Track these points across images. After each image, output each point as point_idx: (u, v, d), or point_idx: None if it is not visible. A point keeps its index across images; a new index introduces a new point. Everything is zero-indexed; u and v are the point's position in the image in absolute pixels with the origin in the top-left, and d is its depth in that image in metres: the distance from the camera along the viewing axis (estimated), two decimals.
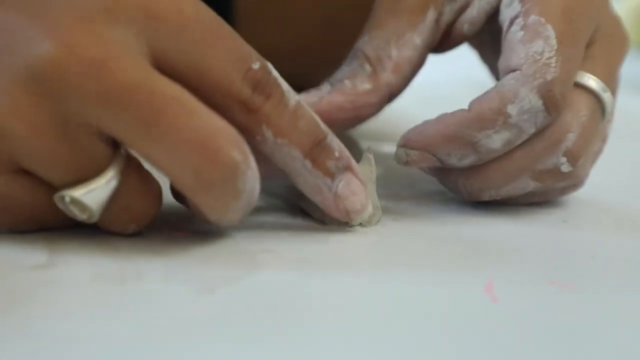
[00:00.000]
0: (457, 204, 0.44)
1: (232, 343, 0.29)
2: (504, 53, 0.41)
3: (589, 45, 0.42)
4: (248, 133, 0.36)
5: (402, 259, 0.38)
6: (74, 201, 0.34)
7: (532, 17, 0.41)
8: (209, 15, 0.36)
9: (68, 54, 0.32)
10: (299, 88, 0.54)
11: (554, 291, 0.35)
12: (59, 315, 0.30)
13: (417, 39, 0.43)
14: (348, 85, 0.42)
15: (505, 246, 0.40)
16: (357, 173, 0.38)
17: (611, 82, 0.43)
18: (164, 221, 0.40)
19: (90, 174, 0.34)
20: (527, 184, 0.42)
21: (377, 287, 0.35)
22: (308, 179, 0.37)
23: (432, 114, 0.42)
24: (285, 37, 0.64)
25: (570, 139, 0.41)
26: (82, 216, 0.35)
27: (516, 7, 0.42)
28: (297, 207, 0.42)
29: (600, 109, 0.42)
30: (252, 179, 0.34)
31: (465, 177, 0.42)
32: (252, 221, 0.40)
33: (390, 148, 0.54)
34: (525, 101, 0.39)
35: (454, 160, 0.41)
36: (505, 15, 0.42)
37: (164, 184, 0.37)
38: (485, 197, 0.42)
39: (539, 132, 0.41)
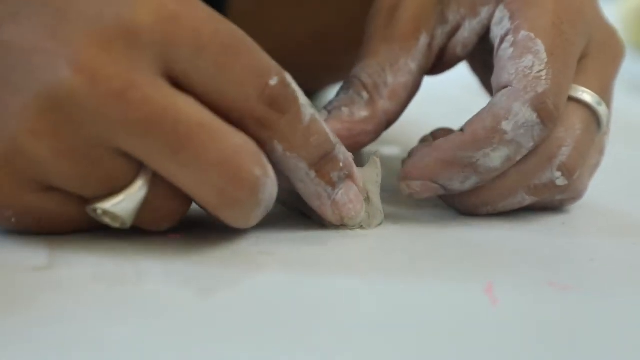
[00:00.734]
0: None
1: (232, 344, 0.29)
2: (496, 71, 0.41)
3: (582, 57, 0.42)
4: (259, 144, 0.36)
5: (403, 261, 0.38)
6: (106, 212, 0.35)
7: (522, 33, 0.41)
8: (227, 30, 0.35)
9: (88, 83, 0.33)
10: None
11: (554, 293, 0.35)
12: (59, 315, 0.30)
13: (411, 64, 0.43)
14: (345, 113, 0.42)
15: (505, 248, 0.40)
16: (357, 180, 0.39)
17: (606, 95, 0.43)
18: None
19: (120, 185, 0.35)
20: (523, 199, 0.42)
21: (377, 289, 0.35)
22: (309, 186, 0.38)
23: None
24: (275, 47, 0.64)
25: (565, 153, 0.41)
26: (114, 224, 0.36)
27: (506, 24, 0.41)
28: (297, 210, 0.42)
29: (595, 122, 0.42)
30: (271, 187, 0.36)
31: (459, 195, 0.42)
32: None
33: (390, 150, 0.54)
34: (520, 116, 0.39)
35: (456, 185, 0.41)
36: (496, 33, 0.42)
37: None
38: (482, 212, 0.42)
39: (533, 149, 0.41)
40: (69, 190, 0.35)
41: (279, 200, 0.41)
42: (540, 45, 0.40)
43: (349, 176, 0.38)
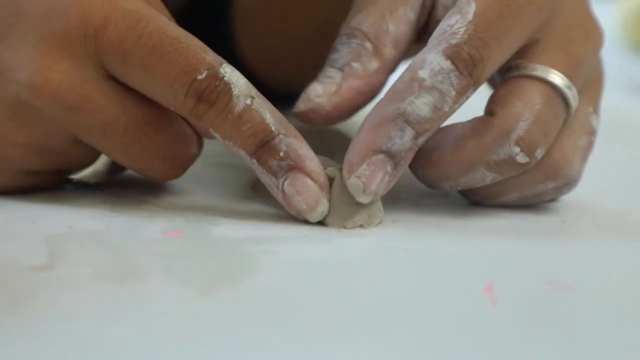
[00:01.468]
0: (457, 205, 0.44)
1: (232, 344, 0.29)
2: None
3: (544, 36, 0.42)
4: (204, 133, 0.41)
5: (402, 260, 0.38)
6: (78, 180, 0.43)
7: None
8: (153, 33, 0.38)
9: (49, 101, 0.38)
10: (293, 89, 0.54)
11: (554, 292, 0.35)
12: (59, 315, 0.30)
13: (410, 13, 0.43)
14: (359, 68, 0.42)
15: (505, 247, 0.40)
16: (310, 173, 0.39)
17: (574, 73, 0.42)
18: (162, 220, 0.40)
19: (85, 163, 0.42)
20: (484, 175, 0.41)
21: (377, 288, 0.35)
22: (260, 175, 0.39)
23: None
24: (281, 40, 0.64)
25: (522, 127, 0.40)
26: (89, 182, 0.43)
27: None
28: None
29: (560, 100, 0.41)
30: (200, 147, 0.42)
31: (421, 166, 0.42)
32: (252, 223, 0.40)
33: None
34: (434, 64, 0.39)
35: (397, 142, 0.39)
36: None
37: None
38: (445, 187, 0.42)
39: (490, 123, 0.41)
40: (42, 171, 0.41)
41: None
42: (472, 7, 0.40)
43: (294, 167, 0.39)
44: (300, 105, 0.42)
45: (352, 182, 0.39)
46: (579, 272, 0.38)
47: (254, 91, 0.39)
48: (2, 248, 0.36)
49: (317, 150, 0.41)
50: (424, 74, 0.39)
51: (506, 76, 0.42)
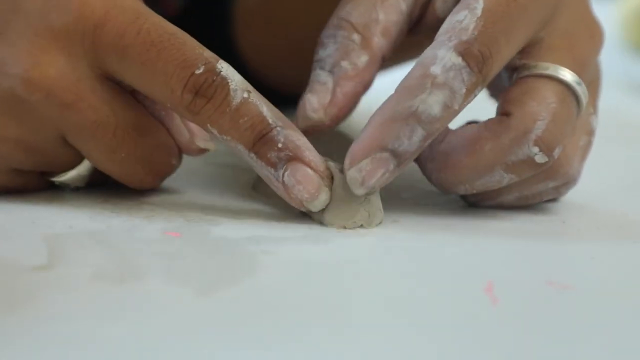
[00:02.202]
0: (457, 205, 0.44)
1: (232, 344, 0.29)
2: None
3: (550, 35, 0.42)
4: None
5: (402, 261, 0.38)
6: (61, 182, 0.43)
7: None
8: (152, 29, 0.39)
9: (44, 98, 0.39)
10: (293, 89, 0.54)
11: (554, 292, 0.35)
12: (59, 315, 0.30)
13: (402, 3, 0.43)
14: (348, 68, 0.42)
15: (505, 247, 0.40)
16: (309, 162, 0.39)
17: (585, 73, 0.42)
18: (161, 220, 0.40)
19: (69, 166, 0.42)
20: (501, 177, 0.41)
21: (377, 288, 0.35)
22: (259, 170, 0.39)
23: None
24: (281, 42, 0.64)
25: (540, 127, 0.40)
26: (71, 185, 0.43)
27: None
28: (297, 209, 0.41)
29: (573, 99, 0.41)
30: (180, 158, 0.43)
31: (437, 170, 0.41)
32: (252, 223, 0.40)
33: None
34: (446, 59, 0.39)
35: (405, 143, 0.39)
36: None
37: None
38: (460, 190, 0.42)
39: (507, 124, 0.40)
40: (29, 170, 0.42)
41: (279, 198, 0.41)
42: (480, 3, 0.40)
43: (293, 157, 0.39)
44: (300, 122, 0.42)
45: (352, 174, 0.39)
46: (579, 272, 0.38)
47: (249, 86, 0.39)
48: (2, 248, 0.36)
49: (317, 150, 0.41)
50: (435, 69, 0.39)
51: (515, 76, 0.42)
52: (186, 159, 0.44)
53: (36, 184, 0.42)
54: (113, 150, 0.40)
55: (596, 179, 0.45)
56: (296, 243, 0.38)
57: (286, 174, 0.39)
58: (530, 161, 0.40)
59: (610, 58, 0.51)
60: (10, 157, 0.40)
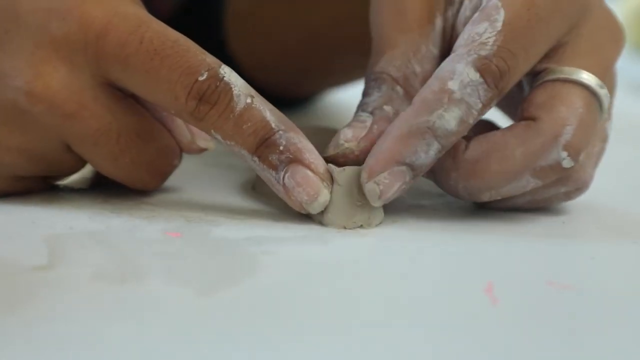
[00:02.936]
0: (457, 205, 0.45)
1: (232, 344, 0.29)
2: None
3: (573, 39, 0.42)
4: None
5: (402, 261, 0.38)
6: (64, 187, 0.44)
7: (492, 2, 0.40)
8: (154, 37, 0.38)
9: (46, 109, 0.38)
10: (282, 96, 0.53)
11: (554, 292, 0.35)
12: (59, 315, 0.30)
13: (433, 49, 0.43)
14: (390, 112, 0.42)
15: (505, 247, 0.40)
16: (309, 164, 0.39)
17: (606, 78, 0.42)
18: (162, 221, 0.40)
19: (72, 170, 0.42)
20: (527, 182, 0.41)
21: (377, 288, 0.35)
22: (261, 172, 0.40)
23: None
24: (271, 47, 0.64)
25: (569, 132, 0.40)
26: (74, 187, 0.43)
27: None
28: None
29: (596, 104, 0.41)
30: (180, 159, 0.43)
31: (464, 179, 0.41)
32: (252, 223, 0.40)
33: None
34: (464, 75, 0.39)
35: (422, 157, 0.39)
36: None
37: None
38: (485, 197, 0.42)
39: (535, 129, 0.40)
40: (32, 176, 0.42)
41: (279, 199, 0.41)
42: (500, 15, 0.40)
43: (294, 160, 0.39)
44: (330, 149, 0.42)
45: (370, 187, 0.39)
46: (579, 272, 0.38)
47: (252, 91, 0.39)
48: (2, 248, 0.36)
49: (318, 152, 0.41)
50: (453, 85, 0.39)
51: (538, 79, 0.42)
52: (186, 160, 0.44)
53: (38, 188, 0.43)
54: (116, 156, 0.40)
55: (596, 179, 0.45)
56: (296, 243, 0.38)
57: (287, 175, 0.39)
58: (557, 166, 0.41)
59: None
60: (13, 165, 0.40)
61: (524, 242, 0.41)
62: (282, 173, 0.39)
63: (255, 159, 0.39)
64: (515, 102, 0.44)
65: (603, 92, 0.41)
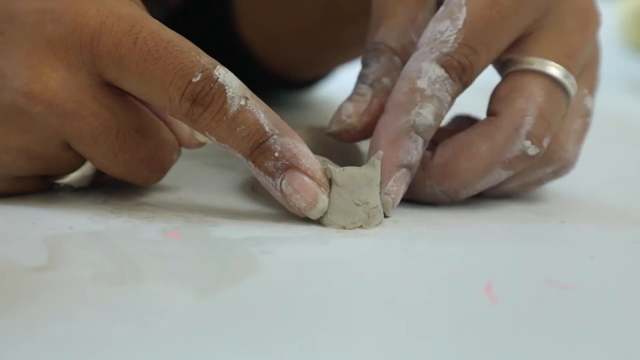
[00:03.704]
0: (457, 206, 0.44)
1: (232, 344, 0.29)
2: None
3: (537, 29, 0.43)
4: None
5: (402, 261, 0.38)
6: (64, 184, 0.43)
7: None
8: (148, 37, 0.38)
9: (46, 109, 0.38)
10: (296, 73, 0.52)
11: (553, 291, 0.35)
12: (59, 316, 0.30)
13: (429, 17, 0.44)
14: (389, 84, 0.43)
15: (505, 247, 0.40)
16: (306, 170, 0.39)
17: (571, 62, 0.43)
18: (161, 221, 0.40)
19: (71, 169, 0.42)
20: (499, 175, 0.42)
21: (377, 289, 0.35)
22: (258, 177, 0.40)
23: None
24: (284, 22, 0.64)
25: (529, 122, 0.42)
26: (74, 186, 0.43)
27: None
28: None
29: (561, 90, 0.42)
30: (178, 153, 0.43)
31: (439, 183, 0.43)
32: (252, 223, 0.40)
33: None
34: (430, 72, 0.41)
35: (414, 154, 0.41)
36: None
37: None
38: (463, 195, 0.43)
39: (497, 124, 0.42)
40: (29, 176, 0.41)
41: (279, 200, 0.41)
42: (463, 13, 0.41)
43: (290, 166, 0.39)
44: (333, 126, 0.43)
45: (386, 200, 0.41)
46: (578, 272, 0.38)
47: (248, 92, 0.39)
48: (2, 249, 0.36)
49: (315, 151, 0.41)
50: (422, 83, 0.41)
51: (503, 72, 0.43)
52: (186, 161, 0.44)
53: (37, 188, 0.42)
54: (116, 153, 0.40)
55: (596, 179, 0.45)
56: (296, 243, 0.38)
57: (284, 182, 0.39)
58: (523, 155, 0.42)
59: (610, 58, 0.51)
60: (12, 165, 0.40)
61: (523, 242, 0.41)
62: (279, 180, 0.39)
63: (250, 163, 0.39)
64: None
65: (566, 80, 0.42)
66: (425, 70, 0.41)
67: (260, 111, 0.39)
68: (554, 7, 0.43)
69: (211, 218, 0.41)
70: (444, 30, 0.41)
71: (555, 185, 0.48)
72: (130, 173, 0.41)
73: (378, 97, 0.43)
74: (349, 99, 0.43)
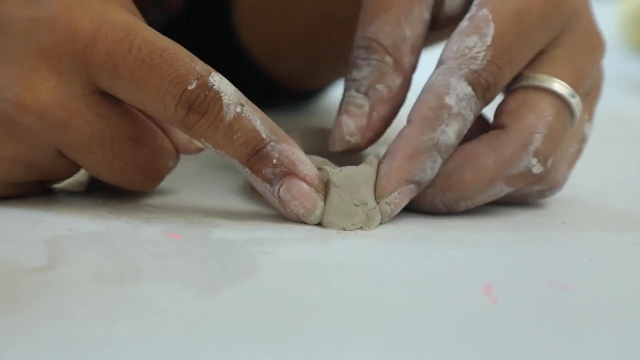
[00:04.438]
0: None
1: (232, 344, 0.29)
2: (447, 41, 0.42)
3: (552, 47, 0.42)
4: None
5: (402, 262, 0.38)
6: (61, 188, 0.43)
7: (482, 12, 0.41)
8: (143, 46, 0.38)
9: (38, 119, 0.38)
10: (297, 82, 0.52)
11: (553, 292, 0.35)
12: (59, 316, 0.30)
13: (425, 12, 0.43)
14: (384, 91, 0.43)
15: (505, 248, 0.40)
16: (304, 177, 0.39)
17: (579, 85, 0.43)
18: (161, 222, 0.40)
19: (67, 175, 0.42)
20: (501, 190, 0.42)
21: (377, 289, 0.35)
22: (255, 184, 0.40)
23: None
24: (284, 32, 0.64)
25: (538, 139, 0.41)
26: (71, 189, 0.43)
27: None
28: None
29: (567, 111, 0.42)
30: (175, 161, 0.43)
31: (440, 192, 0.42)
32: (252, 224, 0.40)
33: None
34: (459, 89, 0.40)
35: (428, 173, 0.41)
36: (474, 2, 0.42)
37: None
38: (461, 207, 0.42)
39: (506, 137, 0.41)
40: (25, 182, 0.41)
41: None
42: (490, 29, 0.41)
43: (288, 173, 0.39)
44: (337, 146, 0.43)
45: (381, 208, 0.41)
46: (578, 272, 0.38)
47: (243, 98, 0.39)
48: (2, 250, 0.36)
49: (315, 152, 0.41)
50: (450, 100, 0.40)
51: (513, 84, 0.43)
52: (186, 162, 0.44)
53: (33, 191, 0.42)
54: (110, 161, 0.40)
55: (596, 179, 0.45)
56: (296, 244, 0.38)
57: (282, 189, 0.39)
58: (527, 172, 0.42)
59: (610, 58, 0.51)
60: (7, 174, 0.40)
61: (523, 242, 0.41)
62: (277, 186, 0.39)
63: (247, 170, 0.39)
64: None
65: (574, 101, 0.42)
66: (454, 87, 0.40)
67: (256, 118, 0.39)
68: (570, 26, 0.43)
69: (211, 219, 0.41)
70: (472, 45, 0.40)
71: None
72: (125, 180, 0.41)
73: (377, 109, 0.42)
74: (347, 111, 0.43)
